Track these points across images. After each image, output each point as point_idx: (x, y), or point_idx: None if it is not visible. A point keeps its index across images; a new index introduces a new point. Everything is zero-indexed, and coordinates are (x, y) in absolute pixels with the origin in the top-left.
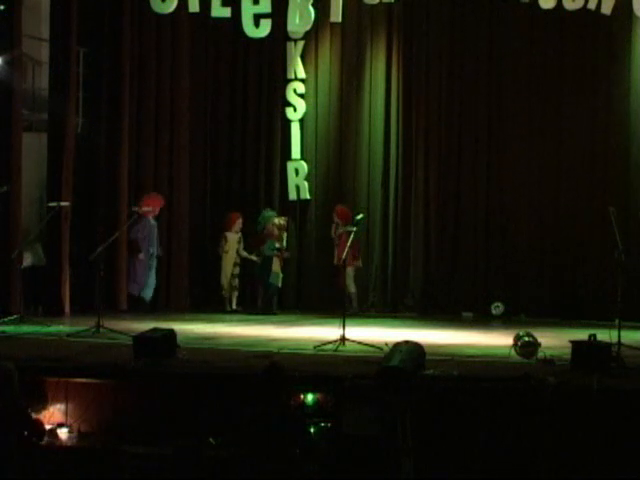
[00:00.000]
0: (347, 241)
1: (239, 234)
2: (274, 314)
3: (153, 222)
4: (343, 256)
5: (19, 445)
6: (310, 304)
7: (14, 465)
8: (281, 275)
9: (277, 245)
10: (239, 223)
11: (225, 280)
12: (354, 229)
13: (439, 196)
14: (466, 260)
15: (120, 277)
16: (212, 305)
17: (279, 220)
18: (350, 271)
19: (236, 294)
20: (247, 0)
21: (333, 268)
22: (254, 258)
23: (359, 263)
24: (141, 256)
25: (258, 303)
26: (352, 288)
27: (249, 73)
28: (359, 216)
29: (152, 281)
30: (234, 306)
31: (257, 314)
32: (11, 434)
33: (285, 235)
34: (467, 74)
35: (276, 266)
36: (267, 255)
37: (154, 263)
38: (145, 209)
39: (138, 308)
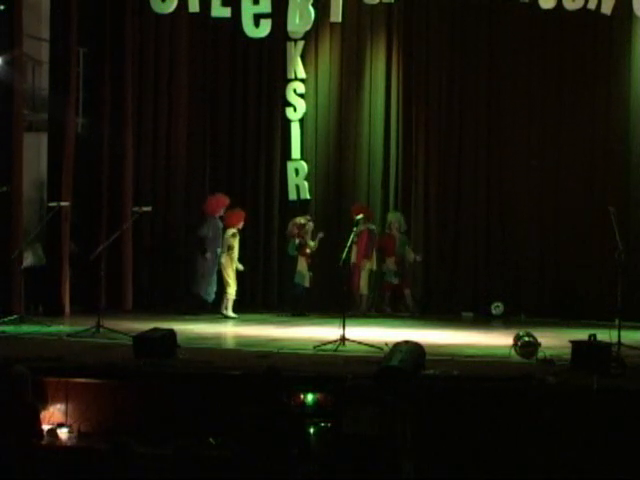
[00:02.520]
0: (365, 239)
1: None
2: (305, 315)
3: (221, 224)
4: (343, 256)
5: (21, 445)
6: (310, 304)
7: (14, 465)
8: (309, 274)
9: (297, 244)
10: (239, 220)
11: (225, 280)
12: (373, 227)
13: (439, 196)
14: (466, 260)
15: (125, 277)
16: (213, 305)
17: (300, 219)
18: (365, 272)
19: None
20: (247, 0)
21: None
22: (240, 267)
23: (371, 265)
24: (208, 256)
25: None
26: (365, 290)
27: (249, 73)
28: (359, 216)
29: (215, 282)
30: (224, 310)
31: (287, 315)
32: (21, 436)
33: (308, 234)
34: (467, 74)
35: (301, 266)
36: (291, 255)
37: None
38: (144, 209)
39: (202, 309)
